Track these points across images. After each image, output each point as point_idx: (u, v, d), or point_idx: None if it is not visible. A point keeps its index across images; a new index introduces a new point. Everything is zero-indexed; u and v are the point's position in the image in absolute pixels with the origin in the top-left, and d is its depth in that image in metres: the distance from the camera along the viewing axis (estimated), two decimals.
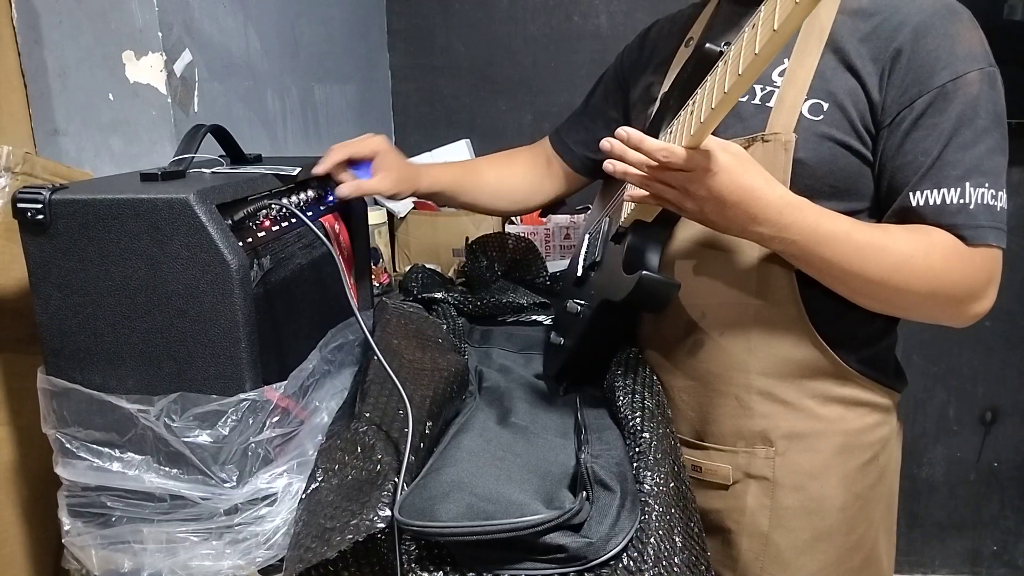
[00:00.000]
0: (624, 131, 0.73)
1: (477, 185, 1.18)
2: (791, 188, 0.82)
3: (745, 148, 0.85)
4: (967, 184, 0.79)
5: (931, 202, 0.80)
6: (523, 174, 1.24)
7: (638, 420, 0.82)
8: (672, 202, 0.79)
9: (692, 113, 0.74)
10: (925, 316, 0.85)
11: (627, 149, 0.75)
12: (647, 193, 0.80)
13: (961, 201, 0.79)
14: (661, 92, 0.99)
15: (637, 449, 0.78)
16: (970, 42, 0.80)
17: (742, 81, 0.65)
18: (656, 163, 0.74)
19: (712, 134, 0.74)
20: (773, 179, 0.79)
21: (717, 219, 0.78)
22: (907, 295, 0.81)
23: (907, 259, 0.79)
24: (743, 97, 0.88)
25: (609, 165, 0.79)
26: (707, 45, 0.75)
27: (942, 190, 0.80)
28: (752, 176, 0.76)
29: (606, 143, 0.76)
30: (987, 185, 0.80)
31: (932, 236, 0.80)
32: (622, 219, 0.93)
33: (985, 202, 0.80)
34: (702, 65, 0.76)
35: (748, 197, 0.76)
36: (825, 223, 0.79)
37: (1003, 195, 0.81)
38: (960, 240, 0.80)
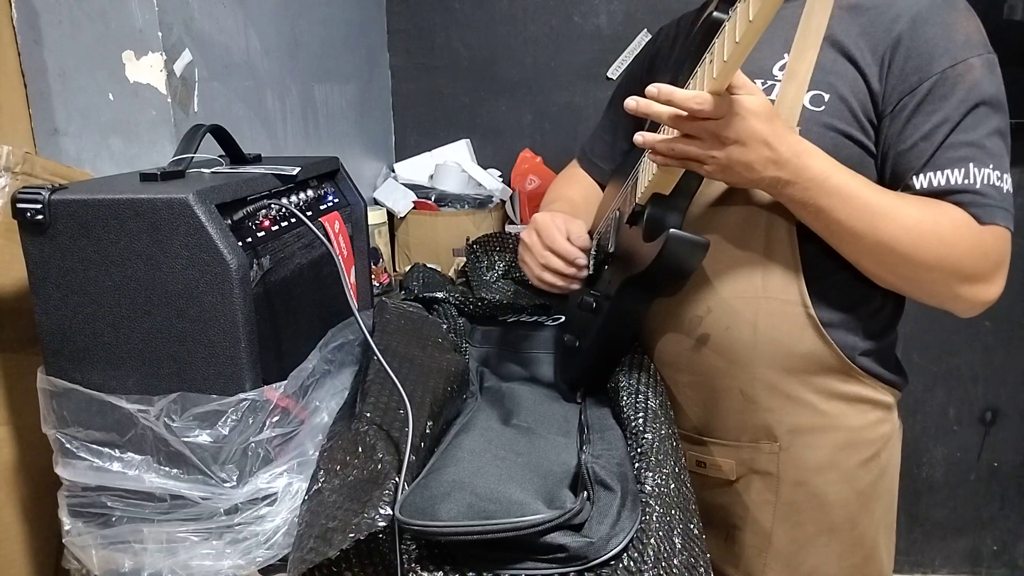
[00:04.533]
0: (655, 87, 0.72)
1: (580, 216, 1.13)
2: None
3: None
4: (971, 165, 0.80)
5: (935, 184, 0.81)
6: (592, 192, 1.21)
7: (641, 421, 0.82)
8: (698, 158, 0.77)
9: (712, 62, 0.73)
10: (932, 293, 0.84)
11: (652, 104, 0.74)
12: (671, 155, 0.79)
13: (966, 181, 0.80)
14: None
15: (639, 450, 0.78)
16: (967, 29, 0.81)
17: (768, 5, 0.61)
18: (685, 114, 0.73)
19: None
20: (789, 124, 0.79)
21: (741, 166, 0.76)
22: (914, 264, 0.80)
23: (916, 223, 0.79)
24: None
25: (631, 102, 0.77)
26: (713, 14, 0.75)
27: (946, 171, 0.80)
28: (776, 118, 0.76)
29: (631, 101, 0.74)
30: (991, 166, 0.80)
31: (943, 207, 0.80)
32: (637, 198, 0.92)
33: (991, 182, 0.80)
34: (710, 33, 0.75)
35: (773, 137, 0.75)
36: (839, 173, 0.79)
37: (1008, 178, 0.81)
38: (971, 218, 0.80)
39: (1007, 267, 0.83)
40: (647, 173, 0.89)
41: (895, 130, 0.83)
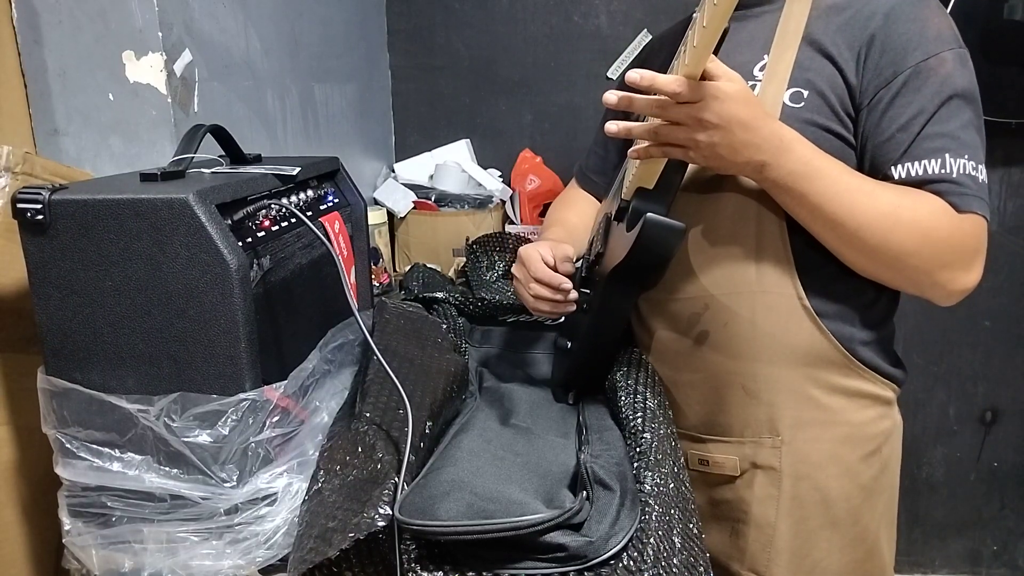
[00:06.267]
0: (637, 72, 0.73)
1: (578, 237, 1.14)
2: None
3: None
4: (947, 155, 0.82)
5: (913, 174, 0.83)
6: (590, 211, 1.20)
7: (639, 420, 0.82)
8: (682, 143, 0.78)
9: (685, 52, 0.74)
10: (911, 280, 0.86)
11: (634, 97, 0.75)
12: (653, 144, 0.80)
13: (943, 171, 0.82)
14: None
15: (638, 449, 0.78)
16: (939, 26, 0.84)
17: None
18: (666, 99, 0.74)
19: None
20: (769, 112, 0.81)
21: (725, 150, 0.77)
22: (893, 250, 0.82)
23: (894, 208, 0.81)
24: None
25: (612, 126, 0.79)
26: (694, 14, 0.76)
27: (923, 162, 0.82)
28: (756, 103, 0.78)
29: (611, 96, 0.75)
30: (967, 157, 0.82)
31: (921, 195, 0.82)
32: (623, 195, 0.92)
33: (967, 172, 0.82)
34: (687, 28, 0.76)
35: (754, 122, 0.77)
36: (819, 158, 0.81)
37: (983, 168, 0.83)
38: (949, 206, 0.82)
39: (984, 255, 0.85)
40: (632, 169, 0.89)
41: (872, 122, 0.85)
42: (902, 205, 0.81)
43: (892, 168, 0.83)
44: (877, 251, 0.83)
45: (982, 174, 0.83)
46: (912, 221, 0.81)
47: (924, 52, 0.82)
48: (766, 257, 0.89)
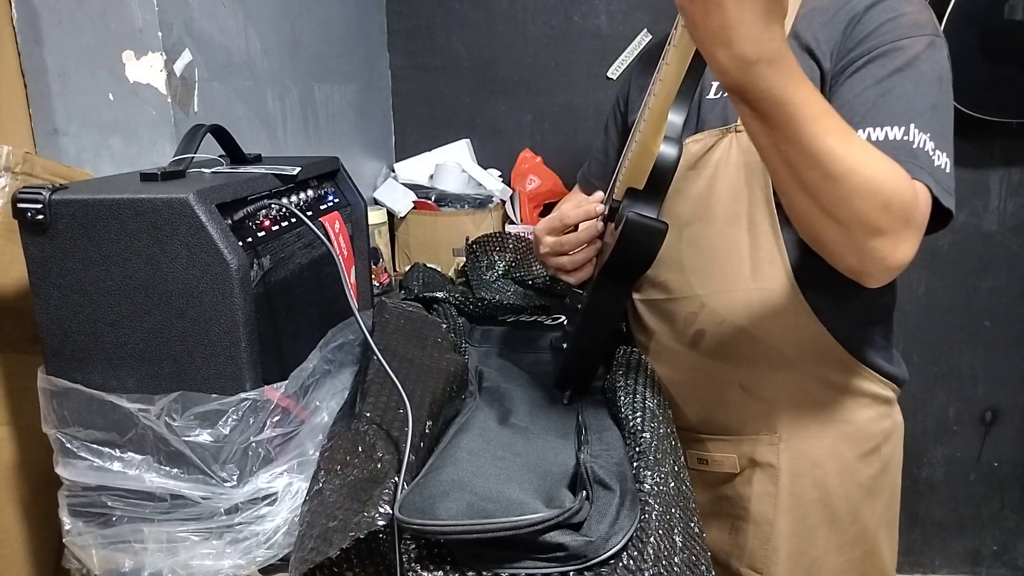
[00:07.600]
0: None
1: None
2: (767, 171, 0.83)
3: (719, 139, 0.89)
4: (911, 125, 0.76)
5: (873, 139, 0.77)
6: None
7: (639, 420, 0.82)
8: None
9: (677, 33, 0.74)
10: (852, 242, 0.72)
11: None
12: None
13: (905, 138, 0.76)
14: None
15: (637, 449, 0.78)
16: (917, 16, 0.83)
17: None
18: None
19: (686, 129, 0.76)
20: None
21: (739, 21, 0.61)
22: (859, 207, 0.69)
23: (875, 160, 0.70)
24: (714, 95, 0.91)
25: None
26: None
27: (884, 128, 0.77)
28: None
29: None
30: (929, 135, 0.76)
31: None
32: (614, 195, 0.93)
33: (926, 150, 0.75)
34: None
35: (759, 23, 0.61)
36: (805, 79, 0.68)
37: (943, 156, 0.76)
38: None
39: (922, 234, 0.74)
40: (623, 170, 0.90)
41: (838, 93, 0.82)
42: (870, 148, 0.71)
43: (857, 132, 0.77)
44: (843, 202, 0.69)
45: (940, 159, 0.75)
46: (874, 160, 0.69)
47: (896, 35, 0.81)
48: (761, 254, 0.89)
